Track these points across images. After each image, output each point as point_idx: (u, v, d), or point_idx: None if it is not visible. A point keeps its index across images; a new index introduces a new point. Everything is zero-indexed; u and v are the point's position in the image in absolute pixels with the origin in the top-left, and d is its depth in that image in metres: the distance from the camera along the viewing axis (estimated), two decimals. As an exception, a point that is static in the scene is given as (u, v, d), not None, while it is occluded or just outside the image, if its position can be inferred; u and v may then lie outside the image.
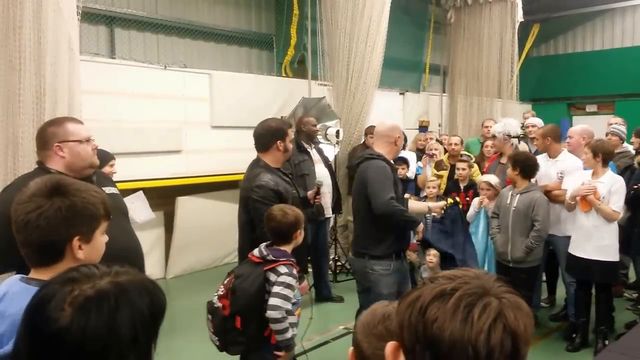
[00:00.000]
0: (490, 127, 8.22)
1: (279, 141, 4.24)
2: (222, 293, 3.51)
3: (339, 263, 7.91)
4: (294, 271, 3.49)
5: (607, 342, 5.29)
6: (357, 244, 4.63)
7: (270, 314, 3.35)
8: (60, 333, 1.22)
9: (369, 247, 4.43)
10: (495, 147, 6.42)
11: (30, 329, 1.28)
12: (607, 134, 6.92)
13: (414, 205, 5.06)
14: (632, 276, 6.97)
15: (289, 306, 3.41)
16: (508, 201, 5.41)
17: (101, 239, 1.93)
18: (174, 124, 7.51)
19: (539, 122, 7.36)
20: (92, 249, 1.88)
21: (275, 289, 3.39)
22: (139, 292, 1.32)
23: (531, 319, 1.09)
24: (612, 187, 5.16)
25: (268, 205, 3.95)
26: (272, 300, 3.36)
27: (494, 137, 6.66)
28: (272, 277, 3.43)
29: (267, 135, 4.28)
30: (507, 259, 5.39)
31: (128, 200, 5.87)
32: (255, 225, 4.14)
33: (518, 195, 5.35)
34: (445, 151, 7.97)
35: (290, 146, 4.34)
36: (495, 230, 5.53)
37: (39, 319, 1.27)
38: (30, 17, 4.78)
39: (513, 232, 5.32)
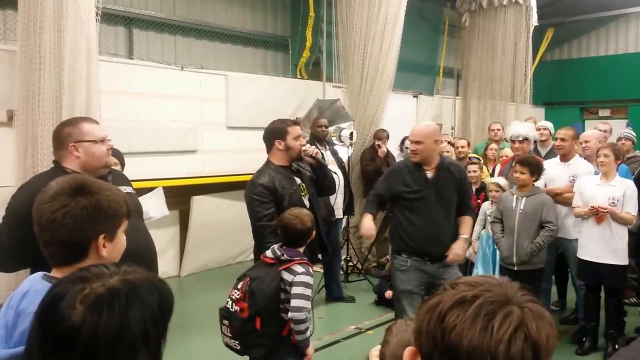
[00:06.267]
0: (498, 129, 8.22)
1: (277, 140, 4.28)
2: (238, 296, 3.47)
3: (350, 263, 7.95)
4: (310, 269, 3.51)
5: (617, 346, 5.31)
6: None
7: (294, 315, 3.34)
8: (72, 331, 1.24)
9: None
10: (522, 151, 6.26)
11: (42, 328, 1.30)
12: (619, 139, 6.95)
13: None
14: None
15: (309, 306, 3.43)
16: (513, 204, 5.38)
17: (123, 237, 1.94)
18: (190, 124, 7.57)
19: (550, 125, 7.38)
20: (114, 247, 1.89)
21: (296, 289, 3.37)
22: (148, 289, 1.35)
23: (554, 329, 1.07)
24: (626, 191, 5.19)
25: (260, 202, 4.04)
26: (296, 302, 3.35)
27: (522, 141, 6.41)
28: (287, 275, 3.42)
29: (267, 136, 4.37)
30: (512, 262, 5.33)
31: (147, 196, 5.95)
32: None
33: (524, 198, 5.33)
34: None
35: (294, 144, 4.31)
36: (499, 235, 5.47)
37: (51, 317, 1.28)
38: (50, 18, 4.86)
39: (518, 234, 5.27)
